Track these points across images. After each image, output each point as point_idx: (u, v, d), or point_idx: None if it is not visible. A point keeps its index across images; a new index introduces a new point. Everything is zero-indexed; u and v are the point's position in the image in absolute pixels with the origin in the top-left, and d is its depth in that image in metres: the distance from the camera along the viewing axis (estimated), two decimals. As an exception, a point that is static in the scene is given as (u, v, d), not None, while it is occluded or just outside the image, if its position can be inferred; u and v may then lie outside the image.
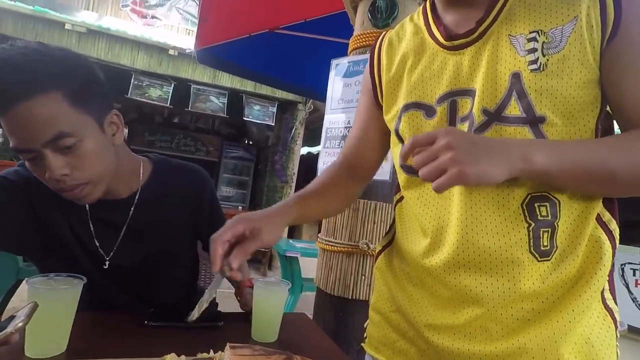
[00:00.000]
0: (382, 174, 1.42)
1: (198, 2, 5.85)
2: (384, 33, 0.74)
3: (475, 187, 0.55)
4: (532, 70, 0.52)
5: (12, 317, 0.41)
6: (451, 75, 0.59)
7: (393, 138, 0.68)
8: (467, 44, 0.58)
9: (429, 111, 0.62)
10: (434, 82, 0.61)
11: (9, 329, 0.38)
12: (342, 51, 1.68)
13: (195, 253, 1.05)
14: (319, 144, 6.99)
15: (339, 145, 1.58)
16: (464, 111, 0.58)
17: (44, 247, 0.81)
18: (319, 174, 1.78)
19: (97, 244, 0.83)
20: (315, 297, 1.69)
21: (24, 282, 2.23)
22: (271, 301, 0.79)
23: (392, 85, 0.68)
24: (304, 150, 6.92)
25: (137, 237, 0.86)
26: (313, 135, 7.50)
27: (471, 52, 0.58)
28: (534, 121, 0.52)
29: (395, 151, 0.69)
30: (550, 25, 0.53)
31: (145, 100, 4.99)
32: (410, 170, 0.66)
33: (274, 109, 5.58)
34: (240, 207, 6.48)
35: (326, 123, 1.61)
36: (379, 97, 0.71)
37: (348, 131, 1.60)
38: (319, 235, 1.65)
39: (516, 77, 0.53)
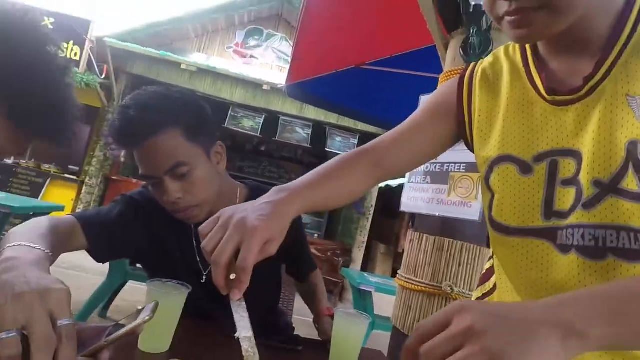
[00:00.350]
0: (471, 213, 1.35)
1: (291, 43, 6.33)
2: (475, 63, 0.68)
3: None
4: None
5: (139, 312, 0.47)
6: (553, 132, 0.53)
7: (483, 185, 0.63)
8: (572, 101, 0.52)
9: (524, 168, 0.56)
10: (532, 136, 0.55)
11: (138, 321, 0.44)
12: (428, 85, 1.68)
13: (279, 276, 1.10)
14: (399, 178, 6.87)
15: (423, 180, 1.55)
16: (567, 174, 0.52)
17: (155, 258, 0.93)
18: (403, 208, 1.76)
19: (198, 259, 0.92)
20: (391, 336, 1.62)
21: (128, 283, 2.50)
22: (351, 333, 0.79)
23: (484, 126, 0.62)
24: (383, 184, 6.87)
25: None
26: (392, 168, 7.43)
27: (577, 110, 0.51)
28: None
29: (485, 199, 0.64)
30: None
31: (238, 129, 5.48)
32: (500, 228, 0.59)
33: (355, 141, 5.69)
34: (315, 235, 6.59)
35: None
36: (467, 130, 0.65)
37: (428, 167, 1.57)
38: (399, 272, 1.61)
39: (634, 145, 0.46)
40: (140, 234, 0.89)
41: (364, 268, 6.75)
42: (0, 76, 0.43)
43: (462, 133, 0.67)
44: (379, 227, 7.23)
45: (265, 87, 5.35)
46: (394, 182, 7.30)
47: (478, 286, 0.74)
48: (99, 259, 0.83)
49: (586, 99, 0.50)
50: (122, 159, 5.81)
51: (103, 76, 5.27)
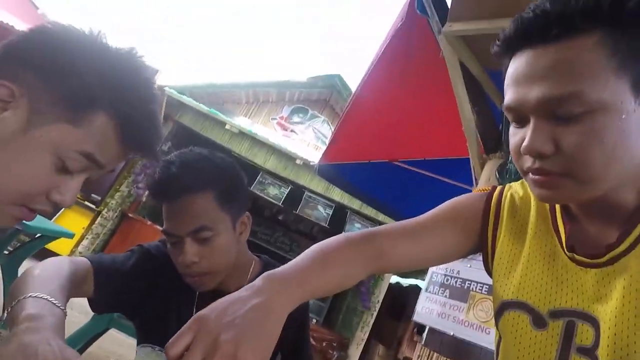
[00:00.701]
0: (489, 341, 1.23)
1: (332, 127, 6.71)
2: (503, 187, 0.65)
3: None
4: None
5: None
6: (574, 291, 0.49)
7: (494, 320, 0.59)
8: (592, 265, 0.48)
9: (538, 321, 0.51)
10: (552, 289, 0.51)
11: None
12: (454, 193, 1.67)
13: None
14: (411, 277, 6.51)
15: (441, 293, 1.46)
16: (584, 342, 0.47)
17: (150, 319, 0.87)
18: (416, 317, 1.64)
19: None
20: None
21: (110, 330, 2.32)
22: None
23: (505, 261, 0.58)
24: (394, 279, 6.59)
25: None
26: (406, 266, 7.18)
27: (596, 275, 0.48)
28: None
29: (495, 337, 0.59)
30: None
31: (262, 195, 5.58)
32: None
33: (374, 231, 5.62)
34: (314, 320, 6.21)
35: (433, 267, 1.54)
36: (488, 255, 0.62)
37: (447, 280, 1.49)
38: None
39: None
40: (145, 292, 0.85)
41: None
42: (118, 97, 0.49)
43: (482, 253, 0.63)
44: (382, 327, 6.75)
45: (298, 161, 5.55)
46: (405, 281, 6.99)
47: None
48: (96, 309, 0.79)
49: (606, 267, 0.47)
50: (144, 199, 5.96)
51: (153, 120, 5.66)
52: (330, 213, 5.61)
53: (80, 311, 3.53)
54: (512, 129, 0.47)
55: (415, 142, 2.82)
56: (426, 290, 1.52)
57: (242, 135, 5.63)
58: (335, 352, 4.94)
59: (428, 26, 1.65)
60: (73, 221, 5.10)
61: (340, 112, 6.39)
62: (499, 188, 0.65)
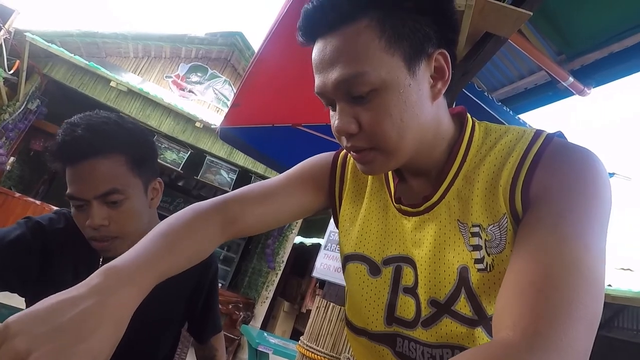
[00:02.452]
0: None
1: (234, 89, 6.44)
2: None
3: None
4: (479, 270, 0.48)
5: None
6: (400, 239, 0.56)
7: None
8: (412, 213, 0.55)
9: (374, 269, 0.57)
10: (384, 239, 0.57)
11: None
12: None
13: (179, 331, 1.01)
14: (314, 237, 6.91)
15: (338, 249, 1.60)
16: (407, 282, 0.54)
17: (45, 291, 0.80)
18: (315, 273, 1.77)
19: None
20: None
21: None
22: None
23: (347, 217, 0.63)
24: (298, 239, 6.88)
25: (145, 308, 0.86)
26: (309, 226, 7.53)
27: (415, 222, 0.54)
28: (486, 321, 0.47)
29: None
30: (488, 220, 0.48)
31: (159, 160, 5.17)
32: (349, 325, 0.61)
33: (278, 194, 5.71)
34: (219, 284, 6.21)
35: (331, 226, 1.66)
36: (337, 214, 0.66)
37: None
38: (302, 338, 1.58)
39: (465, 271, 0.49)
40: (36, 265, 0.79)
41: (265, 325, 6.45)
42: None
43: (332, 209, 0.67)
44: (286, 284, 7.08)
45: (197, 124, 5.23)
46: (308, 241, 7.36)
47: None
48: None
49: (423, 215, 0.53)
50: (8, 167, 5.03)
51: (11, 72, 4.69)
52: (234, 178, 5.50)
53: None
54: (330, 114, 0.51)
55: (319, 106, 2.87)
56: (324, 248, 1.65)
57: (132, 94, 5.04)
58: (241, 313, 5.07)
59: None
60: None
61: (242, 73, 6.12)
62: (344, 150, 0.66)
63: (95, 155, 0.75)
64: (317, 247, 6.27)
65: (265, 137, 3.21)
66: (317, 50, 0.48)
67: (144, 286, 0.42)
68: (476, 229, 0.49)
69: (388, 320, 0.55)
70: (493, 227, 0.48)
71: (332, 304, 1.54)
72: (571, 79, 1.61)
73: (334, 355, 1.44)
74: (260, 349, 2.63)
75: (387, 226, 0.58)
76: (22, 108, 4.68)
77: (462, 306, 0.48)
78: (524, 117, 1.97)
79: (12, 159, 5.00)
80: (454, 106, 0.66)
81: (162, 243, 0.47)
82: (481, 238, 0.48)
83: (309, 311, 6.01)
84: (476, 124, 0.55)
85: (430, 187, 0.54)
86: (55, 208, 4.64)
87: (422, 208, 0.53)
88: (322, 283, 1.94)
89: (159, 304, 0.89)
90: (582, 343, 0.34)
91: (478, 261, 0.48)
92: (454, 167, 0.52)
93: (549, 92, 1.92)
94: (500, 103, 1.82)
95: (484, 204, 0.49)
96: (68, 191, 0.77)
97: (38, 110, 4.94)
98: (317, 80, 0.49)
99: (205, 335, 1.04)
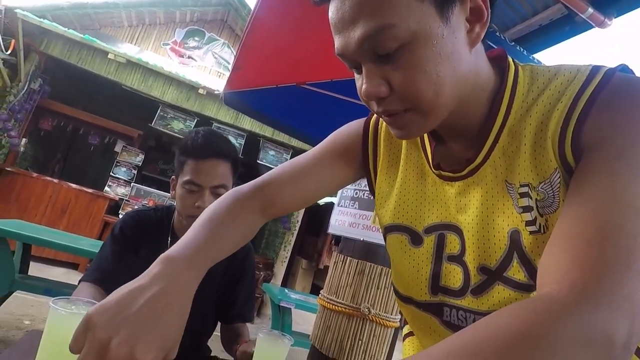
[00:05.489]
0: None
1: (233, 51, 6.25)
2: None
3: None
4: (531, 232, 0.44)
5: None
6: (442, 205, 0.53)
7: None
8: (455, 178, 0.51)
9: (415, 238, 0.55)
10: (424, 207, 0.55)
11: None
12: (363, 112, 1.78)
13: (218, 312, 1.17)
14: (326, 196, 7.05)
15: (351, 205, 1.62)
16: (452, 250, 0.51)
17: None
18: (330, 230, 1.81)
19: None
20: (309, 354, 1.64)
21: (15, 293, 2.19)
22: (273, 354, 0.79)
23: (384, 185, 0.61)
24: (311, 199, 6.96)
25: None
26: (321, 185, 7.57)
27: (459, 187, 0.51)
28: None
29: None
30: (538, 178, 0.44)
31: (167, 131, 5.18)
32: (396, 293, 0.59)
33: (288, 156, 5.73)
34: (238, 248, 6.42)
35: (343, 182, 1.66)
36: (372, 181, 0.64)
37: (356, 193, 1.65)
38: (322, 292, 1.65)
39: (516, 234, 0.45)
40: (131, 261, 1.03)
41: (285, 283, 6.72)
42: None
43: (367, 179, 0.65)
44: (303, 243, 7.28)
45: (201, 90, 5.16)
46: (321, 201, 7.45)
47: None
48: None
49: (467, 179, 0.50)
50: (22, 149, 5.11)
51: (8, 52, 4.62)
52: (243, 143, 5.50)
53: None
54: (356, 76, 0.47)
55: (321, 63, 2.79)
56: (338, 205, 1.66)
57: (131, 65, 4.95)
58: (261, 272, 5.27)
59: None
60: None
61: (240, 34, 5.92)
62: (375, 116, 0.64)
63: (219, 156, 1.04)
64: (330, 206, 6.36)
65: (269, 99, 3.16)
66: (334, 8, 0.42)
67: (199, 271, 0.46)
68: (525, 189, 0.44)
69: (433, 289, 0.53)
70: (544, 185, 0.43)
71: (349, 257, 1.58)
72: (590, 10, 1.49)
73: (354, 305, 1.50)
74: (282, 305, 2.76)
75: (426, 194, 0.55)
76: (25, 88, 4.66)
77: (516, 272, 0.45)
78: (539, 56, 1.88)
79: (24, 140, 5.06)
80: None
81: (209, 230, 0.51)
82: (531, 198, 0.44)
83: (326, 267, 6.22)
84: (520, 68, 0.49)
85: (472, 148, 0.49)
86: (72, 185, 4.77)
87: (465, 172, 0.49)
88: (337, 240, 1.99)
89: (202, 289, 1.02)
90: None
91: (529, 223, 0.44)
92: (497, 122, 0.47)
93: (566, 26, 1.81)
94: (513, 43, 1.72)
95: (532, 161, 0.44)
96: (189, 178, 1.02)
97: (41, 90, 4.92)
98: (338, 41, 0.44)
99: (231, 318, 1.15)
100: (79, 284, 1.00)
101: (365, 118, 0.65)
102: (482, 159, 0.48)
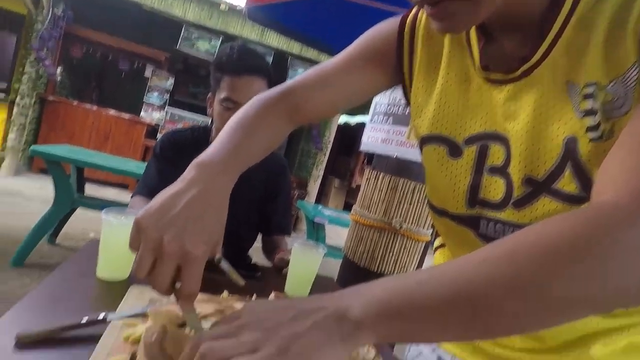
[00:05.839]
0: (425, 155, 1.42)
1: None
2: (419, 7, 0.48)
3: None
4: (592, 140, 0.39)
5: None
6: (488, 113, 0.48)
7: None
8: (505, 81, 0.45)
9: (454, 150, 0.51)
10: (466, 116, 0.50)
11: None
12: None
13: (257, 227, 1.24)
14: (359, 114, 6.84)
15: (385, 121, 1.57)
16: (495, 161, 0.47)
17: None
18: (362, 147, 1.80)
19: None
20: (341, 265, 1.76)
21: (77, 210, 2.43)
22: (308, 261, 0.85)
23: (421, 92, 0.56)
24: (342, 119, 6.87)
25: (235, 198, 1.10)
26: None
27: (509, 92, 0.45)
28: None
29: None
30: (609, 76, 0.38)
31: (192, 52, 5.07)
32: (430, 205, 0.57)
33: (317, 74, 5.52)
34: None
35: (376, 97, 1.60)
36: (407, 90, 0.59)
37: (390, 109, 1.59)
38: (354, 207, 1.70)
39: (573, 143, 0.40)
40: (174, 177, 1.11)
41: (318, 201, 7.01)
42: None
43: (402, 86, 0.60)
44: (335, 163, 7.38)
45: (222, 6, 4.88)
46: (352, 120, 7.33)
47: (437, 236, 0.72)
48: None
49: (519, 81, 0.44)
50: (59, 77, 5.23)
51: (28, -24, 4.49)
52: (270, 60, 5.32)
53: (38, 201, 3.50)
54: None
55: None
56: (371, 121, 1.62)
57: (149, -19, 4.69)
58: (296, 191, 5.48)
59: None
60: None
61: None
62: (413, 11, 0.57)
63: (254, 73, 1.06)
64: (361, 126, 6.26)
65: (294, 11, 2.95)
66: None
67: (232, 174, 0.47)
68: (590, 89, 0.39)
69: (471, 202, 0.50)
70: (616, 83, 0.38)
71: (382, 173, 1.59)
72: None
73: (386, 220, 1.55)
74: (316, 221, 2.90)
75: (469, 100, 0.50)
76: (50, 15, 4.60)
77: (566, 183, 0.41)
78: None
79: (59, 69, 5.16)
80: None
81: (239, 135, 0.51)
82: (596, 100, 0.39)
83: (358, 186, 6.35)
84: None
85: (528, 45, 0.43)
86: (111, 112, 4.93)
87: (518, 73, 0.44)
88: (370, 159, 1.98)
89: (242, 196, 1.06)
90: None
91: (591, 129, 0.39)
92: (562, 11, 0.40)
93: None
94: None
95: (604, 55, 0.38)
96: (226, 94, 1.05)
97: (65, 15, 4.84)
98: None
99: (270, 230, 1.23)
100: (131, 198, 1.12)
101: (401, 15, 0.58)
102: (541, 56, 0.42)
